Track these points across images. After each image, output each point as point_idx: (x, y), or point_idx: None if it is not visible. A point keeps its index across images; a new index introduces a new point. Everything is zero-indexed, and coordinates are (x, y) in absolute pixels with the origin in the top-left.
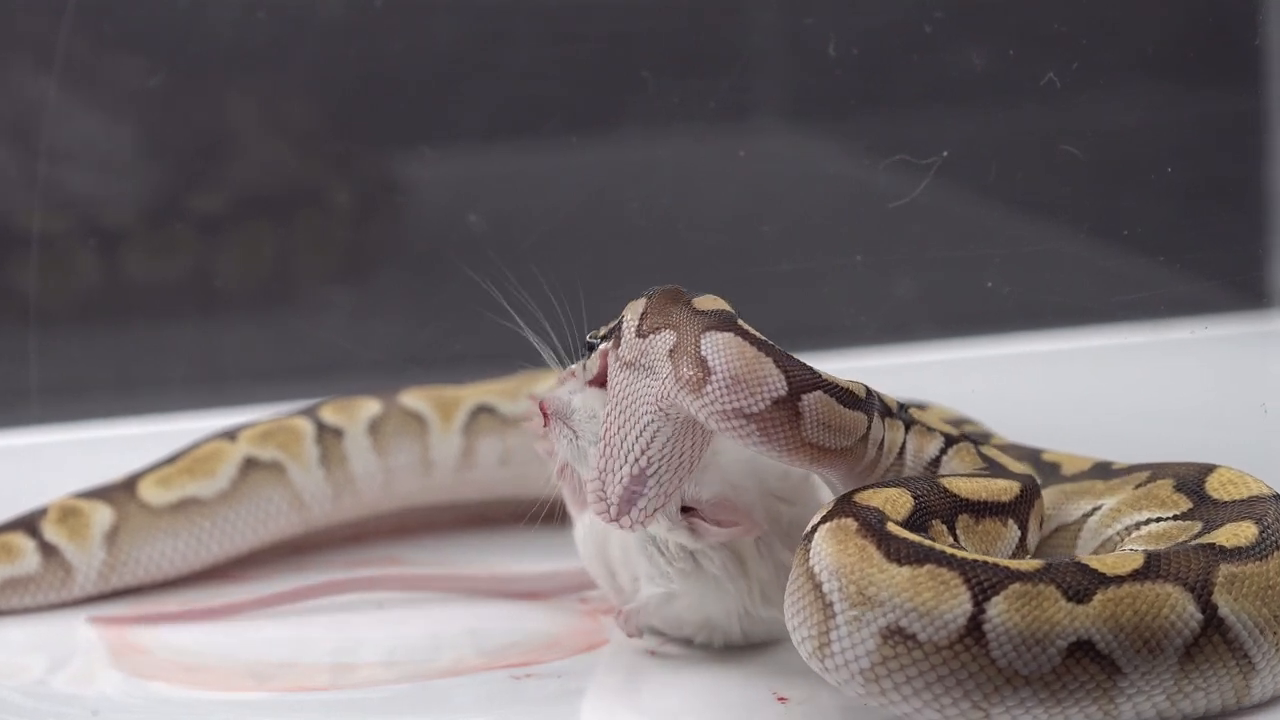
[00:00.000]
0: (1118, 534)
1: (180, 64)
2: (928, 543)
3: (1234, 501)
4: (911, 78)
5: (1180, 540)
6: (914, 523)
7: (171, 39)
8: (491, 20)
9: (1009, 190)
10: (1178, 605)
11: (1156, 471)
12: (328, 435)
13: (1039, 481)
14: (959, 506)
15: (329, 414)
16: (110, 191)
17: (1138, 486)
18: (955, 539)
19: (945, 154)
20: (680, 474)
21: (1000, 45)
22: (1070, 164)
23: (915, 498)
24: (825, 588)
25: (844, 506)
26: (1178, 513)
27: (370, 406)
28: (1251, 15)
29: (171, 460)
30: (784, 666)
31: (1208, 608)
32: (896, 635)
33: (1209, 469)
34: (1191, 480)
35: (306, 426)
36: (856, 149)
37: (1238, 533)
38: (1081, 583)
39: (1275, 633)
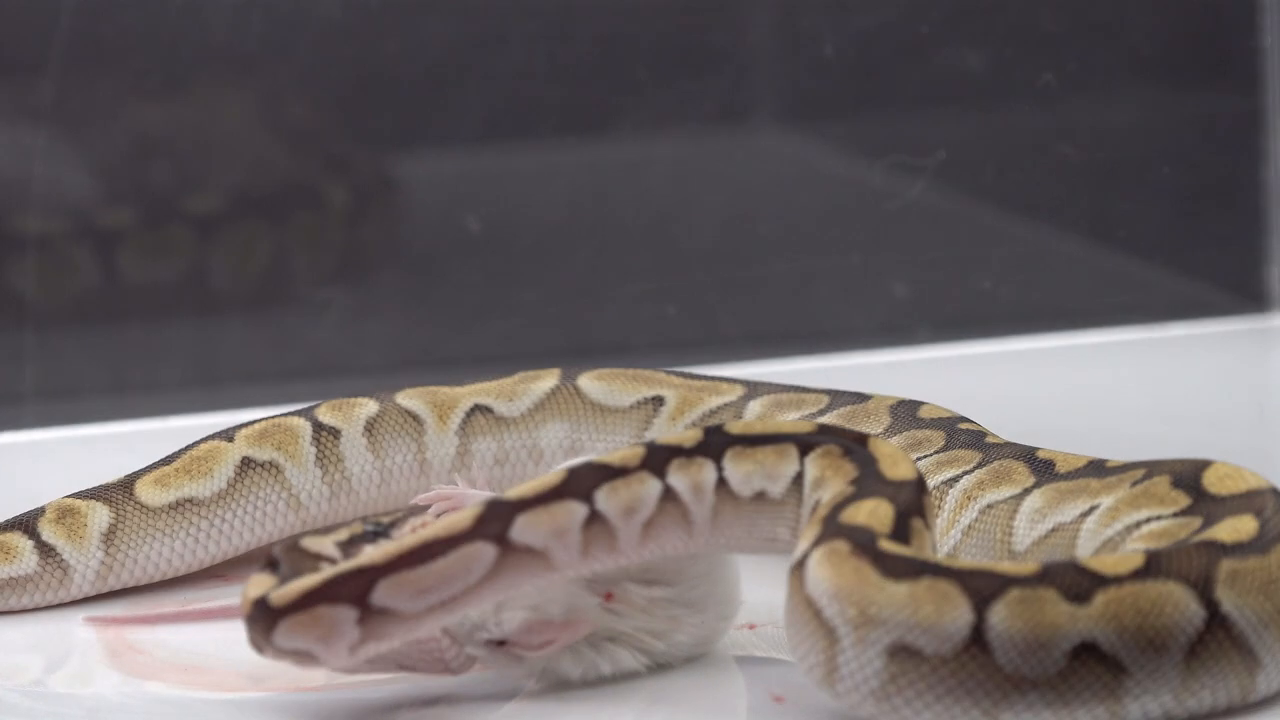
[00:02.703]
0: (1118, 534)
1: (176, 64)
2: (921, 555)
3: (1232, 496)
4: (908, 79)
5: (1182, 537)
6: (899, 530)
7: (167, 39)
8: (487, 21)
9: (1006, 191)
10: (1180, 603)
11: (1152, 469)
12: (324, 435)
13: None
14: (918, 489)
15: (325, 414)
16: (106, 192)
17: (1134, 484)
18: (927, 525)
19: (943, 155)
20: (420, 649)
21: (997, 46)
22: (1067, 165)
23: (891, 501)
24: (826, 613)
25: (832, 529)
26: (1177, 509)
27: (367, 407)
28: (1249, 17)
29: (169, 460)
30: (781, 666)
31: (1210, 604)
32: (903, 652)
33: (1204, 464)
34: (1188, 476)
35: (303, 426)
36: (853, 150)
37: (1238, 527)
38: (1081, 584)
39: (1279, 626)
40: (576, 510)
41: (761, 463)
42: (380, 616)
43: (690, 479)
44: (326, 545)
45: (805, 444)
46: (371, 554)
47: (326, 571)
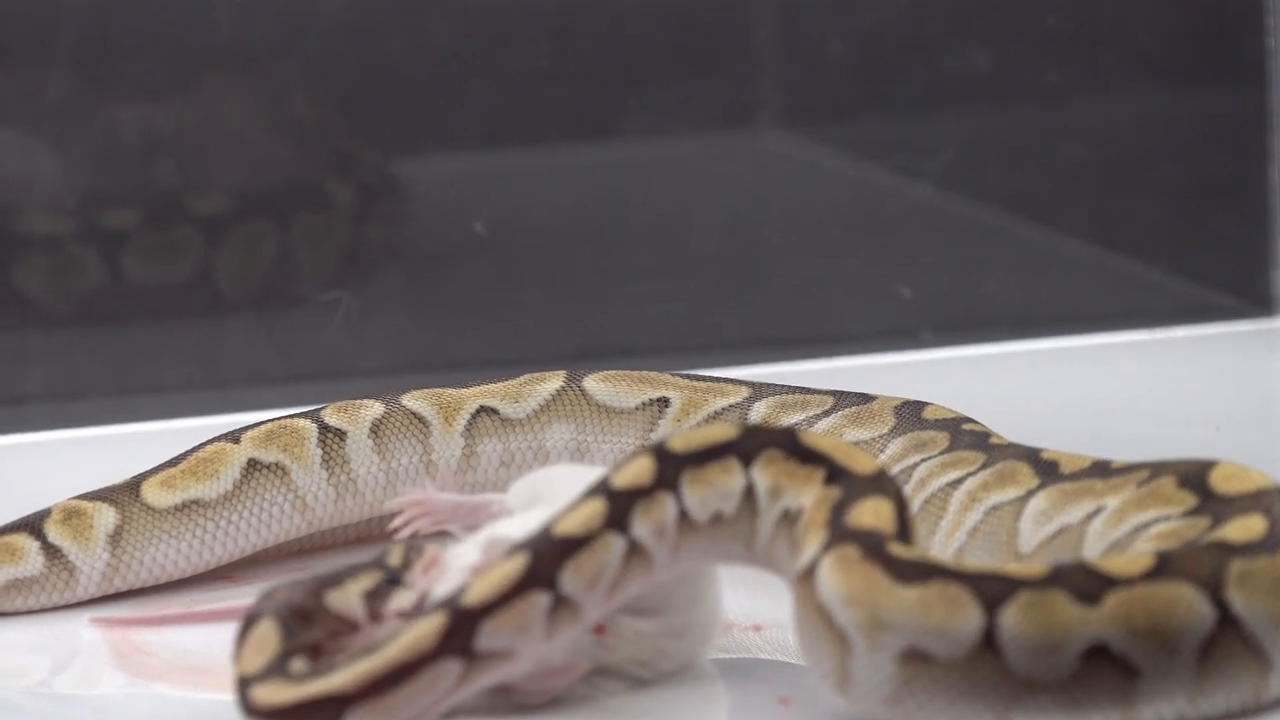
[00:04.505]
0: (1126, 535)
1: (182, 64)
2: (930, 559)
3: (1240, 496)
4: (912, 80)
5: (1191, 538)
6: (903, 527)
7: (172, 38)
8: (493, 23)
9: (1010, 193)
10: (1191, 604)
11: (1157, 469)
12: (330, 437)
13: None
14: (892, 476)
15: (331, 416)
16: (111, 193)
17: (1140, 485)
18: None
19: (950, 156)
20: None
21: (1002, 46)
22: (1072, 166)
23: (890, 498)
24: (839, 620)
25: (841, 534)
26: (1184, 510)
27: (373, 408)
28: (1254, 16)
29: (175, 462)
30: (786, 669)
31: (1221, 605)
32: (915, 657)
33: (1210, 464)
34: (1194, 476)
35: (309, 428)
36: (857, 152)
37: (1247, 527)
38: (1091, 586)
39: None
40: (540, 601)
41: (712, 483)
42: None
43: (654, 523)
44: (353, 600)
45: (743, 453)
46: (343, 678)
47: (302, 689)
